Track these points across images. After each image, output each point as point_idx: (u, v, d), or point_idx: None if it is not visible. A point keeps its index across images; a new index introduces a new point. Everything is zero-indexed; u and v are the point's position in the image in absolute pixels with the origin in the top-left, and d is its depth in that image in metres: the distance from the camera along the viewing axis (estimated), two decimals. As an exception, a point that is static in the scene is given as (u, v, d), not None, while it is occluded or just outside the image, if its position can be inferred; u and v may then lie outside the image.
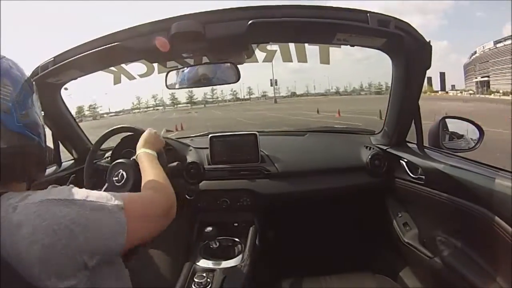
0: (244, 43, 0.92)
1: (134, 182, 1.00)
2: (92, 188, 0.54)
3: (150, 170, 0.72)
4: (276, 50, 1.13)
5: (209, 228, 1.05)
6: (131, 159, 0.95)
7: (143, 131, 1.10)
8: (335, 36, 0.84)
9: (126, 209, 0.47)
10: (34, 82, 0.53)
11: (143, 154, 0.80)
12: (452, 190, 0.87)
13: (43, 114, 0.54)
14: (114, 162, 0.96)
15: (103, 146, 1.20)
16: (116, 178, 0.91)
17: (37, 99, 0.53)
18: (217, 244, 1.09)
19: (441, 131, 1.08)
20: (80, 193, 0.46)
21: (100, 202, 0.45)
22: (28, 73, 0.53)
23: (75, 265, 0.42)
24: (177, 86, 1.01)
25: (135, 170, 1.01)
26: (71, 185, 0.47)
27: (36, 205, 0.42)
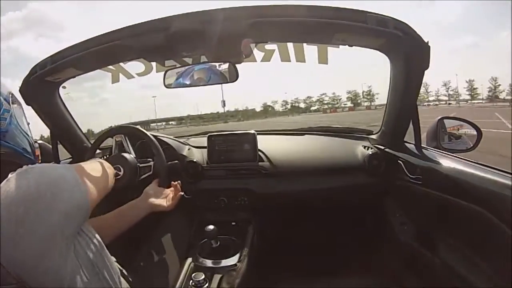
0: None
1: (130, 177, 1.01)
2: None
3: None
4: (274, 50, 1.14)
5: (210, 227, 1.05)
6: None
7: (141, 132, 1.09)
8: (334, 36, 0.84)
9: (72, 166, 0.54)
10: (13, 95, 0.55)
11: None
12: (450, 191, 0.87)
13: (29, 124, 0.56)
14: (111, 156, 0.96)
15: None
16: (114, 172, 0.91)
17: (21, 113, 0.56)
18: (218, 242, 1.09)
19: (439, 131, 1.08)
20: (39, 164, 0.49)
21: (55, 165, 0.50)
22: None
23: (52, 235, 0.42)
24: (174, 85, 1.01)
25: (130, 165, 1.02)
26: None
27: (3, 185, 0.43)
